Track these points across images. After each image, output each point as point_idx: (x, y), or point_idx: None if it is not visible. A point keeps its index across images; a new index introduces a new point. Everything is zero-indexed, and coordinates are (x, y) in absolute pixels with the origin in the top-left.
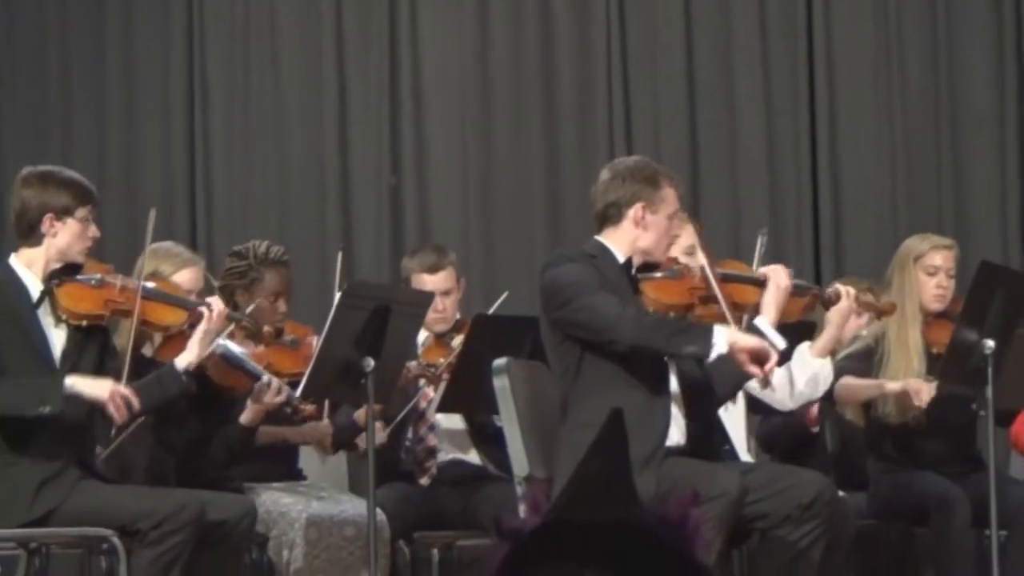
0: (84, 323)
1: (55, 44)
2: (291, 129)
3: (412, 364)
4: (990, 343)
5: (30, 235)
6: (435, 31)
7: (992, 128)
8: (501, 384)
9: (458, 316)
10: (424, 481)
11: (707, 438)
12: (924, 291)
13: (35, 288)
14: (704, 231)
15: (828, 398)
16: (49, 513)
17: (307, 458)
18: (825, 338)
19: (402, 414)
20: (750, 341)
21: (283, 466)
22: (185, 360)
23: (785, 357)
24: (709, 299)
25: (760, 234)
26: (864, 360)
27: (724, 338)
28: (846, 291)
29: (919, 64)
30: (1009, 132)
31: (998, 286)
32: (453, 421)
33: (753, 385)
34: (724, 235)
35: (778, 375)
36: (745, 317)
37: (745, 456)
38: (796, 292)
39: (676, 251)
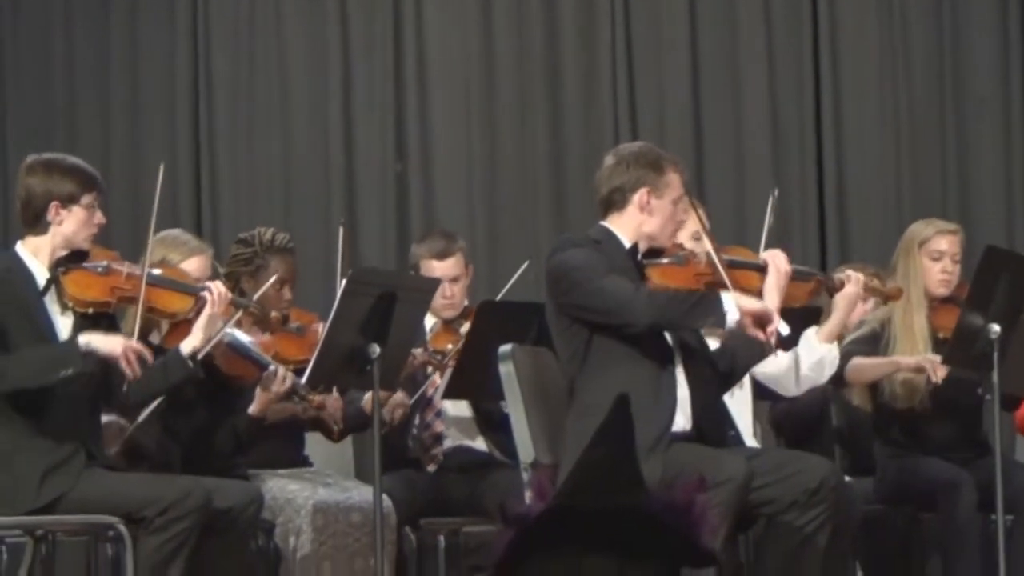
0: (90, 310)
1: (60, 36)
2: (296, 117)
3: (418, 351)
4: (996, 328)
5: (36, 223)
6: (440, 20)
7: (997, 113)
8: (507, 370)
9: (466, 303)
10: (430, 468)
11: (713, 424)
12: (929, 276)
13: (41, 276)
14: (709, 217)
15: (837, 383)
16: (55, 500)
17: (313, 445)
18: (832, 323)
19: (414, 398)
20: (754, 304)
21: (289, 453)
22: (190, 345)
23: (789, 343)
24: (716, 285)
25: (771, 194)
26: (870, 344)
27: (732, 303)
28: (855, 277)
29: (924, 50)
30: (1014, 117)
31: (1003, 271)
32: (460, 408)
33: (759, 370)
34: (729, 222)
35: (784, 360)
36: None
37: (751, 441)
38: (798, 277)
39: (683, 236)
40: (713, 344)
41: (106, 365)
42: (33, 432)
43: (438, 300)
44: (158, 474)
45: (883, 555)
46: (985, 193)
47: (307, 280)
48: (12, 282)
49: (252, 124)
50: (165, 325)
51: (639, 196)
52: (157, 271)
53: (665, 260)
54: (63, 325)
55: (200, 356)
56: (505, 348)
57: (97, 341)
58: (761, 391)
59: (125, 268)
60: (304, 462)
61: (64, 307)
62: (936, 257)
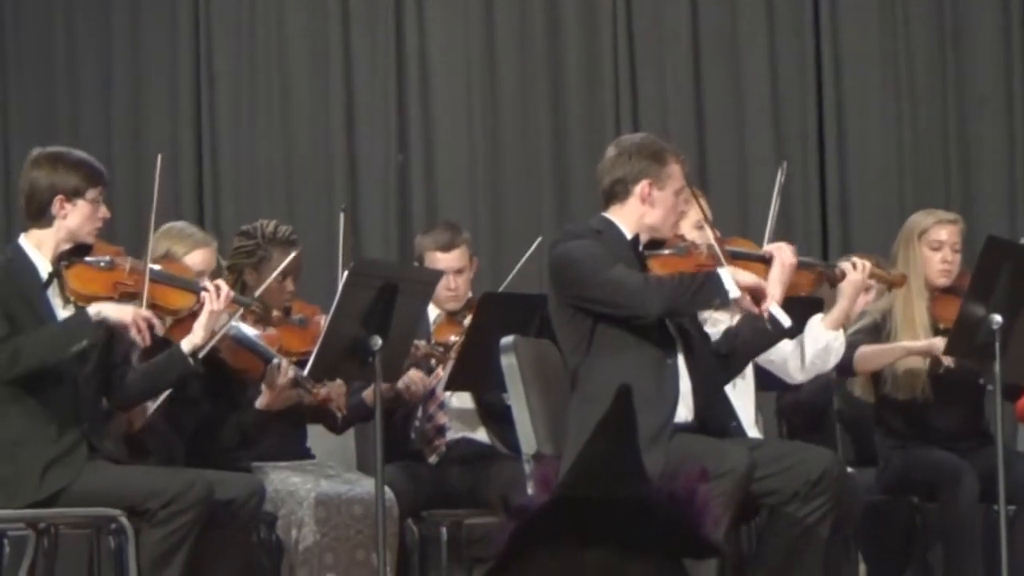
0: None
1: (62, 28)
2: (298, 108)
3: (421, 343)
4: (997, 318)
5: (40, 217)
6: (442, 11)
7: (999, 103)
8: (509, 362)
9: (470, 295)
10: (432, 459)
11: (715, 415)
12: (929, 266)
13: (44, 269)
14: (711, 207)
15: (845, 372)
16: (58, 493)
17: (316, 437)
18: (838, 310)
19: (433, 385)
20: (749, 278)
21: (292, 445)
22: (190, 343)
23: (793, 332)
24: None
25: (780, 169)
26: (872, 335)
27: (731, 280)
28: (861, 264)
29: (926, 42)
30: (1016, 107)
31: (1005, 261)
32: (462, 400)
33: (764, 357)
34: (731, 212)
35: (788, 347)
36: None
37: (753, 432)
38: (802, 267)
39: (685, 226)
40: (717, 331)
41: (109, 352)
42: (36, 424)
43: (442, 292)
44: (160, 467)
45: (885, 545)
46: (987, 186)
47: (309, 272)
48: (15, 274)
49: (254, 116)
50: (168, 318)
51: (641, 188)
52: (159, 267)
53: (666, 251)
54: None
55: (201, 355)
56: (507, 340)
57: (108, 309)
58: (764, 382)
59: (128, 263)
60: (306, 454)
61: (66, 301)
62: (936, 247)
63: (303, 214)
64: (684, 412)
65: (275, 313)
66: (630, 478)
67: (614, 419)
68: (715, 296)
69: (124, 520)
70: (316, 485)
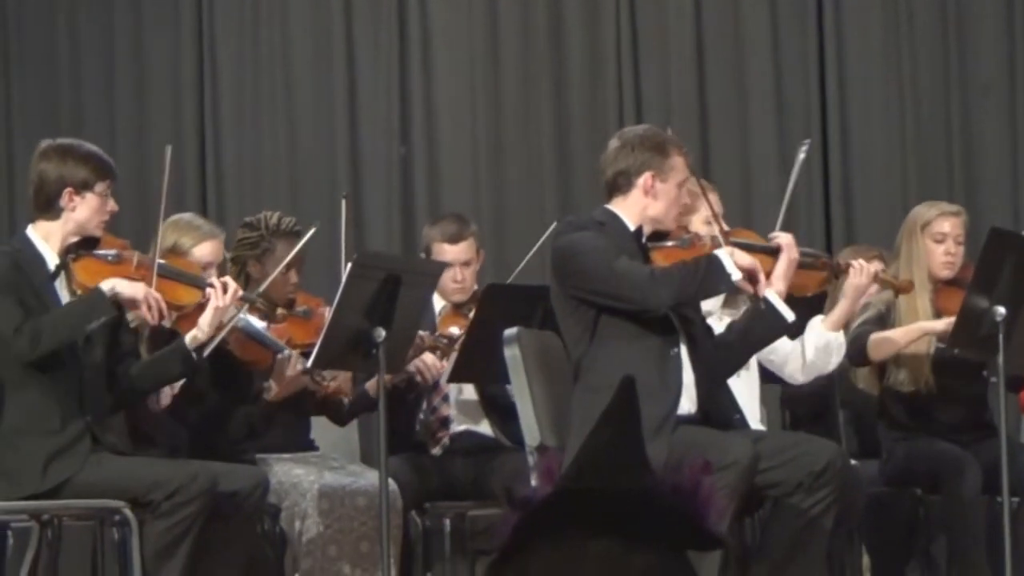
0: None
1: (65, 21)
2: (301, 101)
3: (425, 334)
4: (1001, 310)
5: (48, 209)
6: (444, 3)
7: (1002, 94)
8: (512, 354)
9: (476, 287)
10: (436, 451)
11: (718, 407)
12: (933, 259)
13: (51, 261)
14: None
15: (858, 362)
16: (61, 485)
17: (320, 429)
18: (838, 311)
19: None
20: (745, 259)
21: (295, 437)
22: (194, 338)
23: (794, 332)
24: None
25: (801, 146)
26: (879, 325)
27: (731, 261)
28: (865, 268)
29: (929, 33)
30: (1019, 98)
31: (1008, 252)
32: (466, 392)
33: (764, 357)
34: (734, 202)
35: (789, 347)
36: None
37: (756, 425)
38: (806, 259)
39: (696, 221)
40: (722, 326)
41: (115, 344)
42: (40, 415)
43: (449, 284)
44: (164, 458)
45: (889, 537)
46: (990, 174)
47: (313, 263)
48: (22, 265)
49: (257, 109)
50: (172, 314)
51: (644, 180)
52: (165, 263)
53: (669, 243)
54: None
55: (207, 352)
56: (510, 331)
57: (120, 285)
58: (768, 374)
59: (135, 258)
60: (310, 446)
61: (73, 293)
62: (939, 239)
63: (306, 206)
64: (687, 404)
65: (279, 311)
66: (634, 470)
67: (618, 410)
68: (720, 281)
69: (128, 512)
70: (320, 477)
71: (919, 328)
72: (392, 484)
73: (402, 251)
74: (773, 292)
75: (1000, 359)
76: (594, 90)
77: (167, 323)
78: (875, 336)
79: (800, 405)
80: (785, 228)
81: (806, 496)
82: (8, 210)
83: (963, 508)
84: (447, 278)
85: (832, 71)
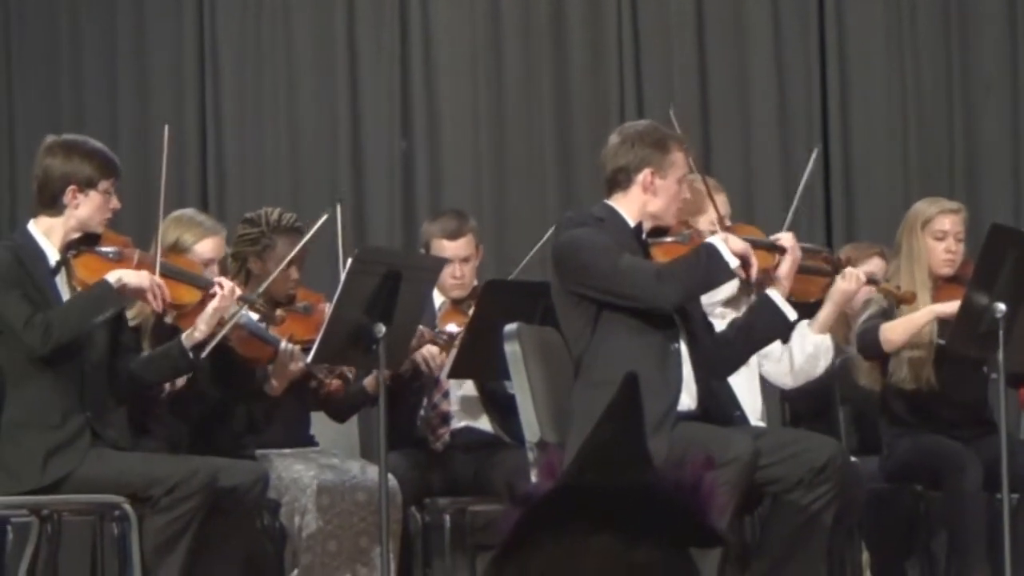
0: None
1: (66, 15)
2: (302, 95)
3: (425, 330)
4: (1001, 306)
5: (52, 205)
6: None
7: (1004, 90)
8: (512, 349)
9: (475, 283)
10: (437, 447)
11: (718, 403)
12: (933, 256)
13: (53, 256)
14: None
15: (872, 355)
16: (61, 480)
17: (320, 425)
18: (824, 314)
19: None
20: (739, 244)
21: (295, 432)
22: (191, 337)
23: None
24: None
25: (811, 154)
26: (884, 319)
27: (726, 248)
28: (854, 275)
29: (931, 29)
30: (1021, 95)
31: (1009, 249)
32: (466, 388)
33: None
34: (736, 198)
35: (777, 352)
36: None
37: (756, 421)
38: (809, 262)
39: (704, 222)
40: (723, 323)
41: (116, 340)
42: (40, 410)
43: (448, 280)
44: (164, 453)
45: (889, 533)
46: (991, 173)
47: (313, 258)
48: (23, 259)
49: (259, 104)
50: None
51: (643, 176)
52: (167, 261)
53: (669, 239)
54: None
55: (204, 352)
56: (511, 327)
57: (127, 276)
58: None
59: (136, 255)
60: (310, 442)
61: (73, 290)
62: (939, 237)
63: (308, 203)
64: (687, 400)
65: (279, 311)
66: (636, 465)
67: (621, 406)
68: (721, 272)
69: (127, 507)
70: (319, 472)
71: (929, 311)
72: (392, 480)
73: (403, 246)
74: (775, 291)
75: (1000, 356)
76: (595, 86)
77: (168, 319)
78: (887, 325)
79: (800, 401)
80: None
81: (806, 492)
82: (10, 204)
83: (963, 504)
84: (446, 274)
85: (834, 67)
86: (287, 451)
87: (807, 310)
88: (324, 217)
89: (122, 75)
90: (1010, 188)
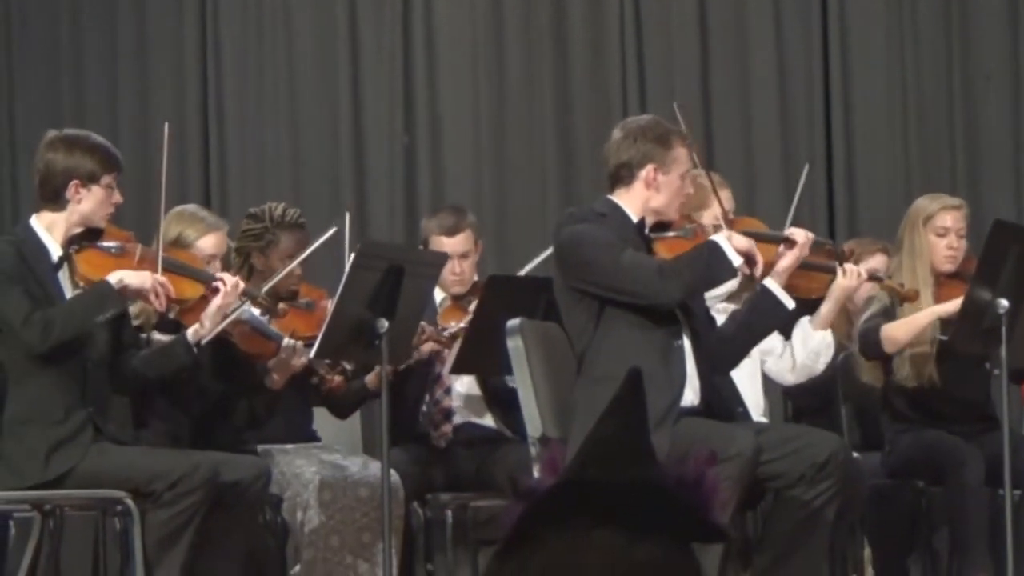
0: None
1: (67, 12)
2: (304, 91)
3: (427, 326)
4: (1004, 302)
5: (54, 200)
6: None
7: (1005, 84)
8: (515, 345)
9: (475, 278)
10: (440, 443)
11: (721, 399)
12: (935, 253)
13: (55, 252)
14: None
15: (873, 355)
16: (63, 475)
17: (322, 420)
18: (824, 311)
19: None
20: (743, 242)
21: (298, 428)
22: (196, 333)
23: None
24: None
25: (804, 169)
26: (886, 318)
27: (730, 247)
28: (855, 272)
29: (932, 21)
30: (1022, 87)
31: (1012, 245)
32: (468, 386)
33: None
34: (738, 190)
35: (780, 349)
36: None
37: (759, 417)
38: (814, 260)
39: (708, 216)
40: (723, 317)
41: (118, 336)
42: (42, 406)
43: (447, 276)
44: (166, 448)
45: (891, 529)
46: (993, 167)
47: (316, 254)
48: (25, 255)
49: (260, 97)
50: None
51: (646, 172)
52: (169, 255)
53: (672, 233)
54: None
55: (204, 341)
56: (513, 322)
57: (128, 277)
58: None
59: (138, 250)
60: (312, 437)
61: (75, 285)
62: (941, 233)
63: (309, 199)
64: (690, 396)
65: (281, 305)
66: (639, 461)
67: (624, 402)
68: (723, 269)
69: (129, 502)
70: (321, 468)
71: (931, 312)
72: (394, 475)
73: (405, 241)
74: (772, 282)
75: (1003, 352)
76: (597, 83)
77: (171, 314)
78: (888, 326)
79: (802, 397)
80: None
81: (808, 488)
82: (12, 199)
83: (965, 500)
84: (446, 270)
85: (835, 63)
86: (289, 446)
87: (809, 307)
88: (332, 230)
89: (123, 72)
90: (1012, 184)
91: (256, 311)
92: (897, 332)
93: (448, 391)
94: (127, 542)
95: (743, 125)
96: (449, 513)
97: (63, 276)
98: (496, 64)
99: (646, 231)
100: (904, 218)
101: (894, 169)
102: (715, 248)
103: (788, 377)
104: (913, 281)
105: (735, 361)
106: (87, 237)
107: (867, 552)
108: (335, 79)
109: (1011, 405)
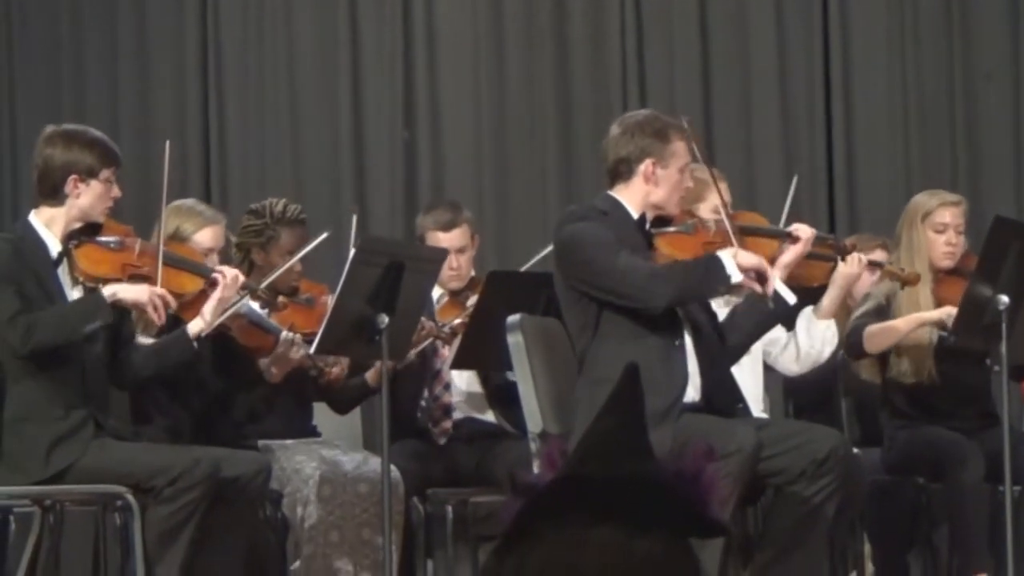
0: (100, 286)
1: (68, 11)
2: (305, 89)
3: (427, 322)
4: (1004, 298)
5: (53, 195)
6: None
7: (1006, 81)
8: (515, 340)
9: (472, 274)
10: (440, 440)
11: (722, 395)
12: (934, 249)
13: (54, 247)
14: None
15: (854, 355)
16: (64, 470)
17: (322, 415)
18: (827, 300)
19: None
20: (751, 259)
21: (298, 423)
22: (197, 327)
23: (791, 321)
24: None
25: (794, 178)
26: (878, 317)
27: (732, 263)
28: (857, 258)
29: (933, 20)
30: (1023, 85)
31: (1012, 241)
32: (469, 383)
33: (764, 350)
34: (738, 185)
35: (785, 339)
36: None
37: (759, 413)
38: (815, 249)
39: (704, 209)
40: (722, 314)
41: (117, 331)
42: (43, 401)
43: (444, 271)
44: (166, 443)
45: (891, 525)
46: (994, 164)
47: (316, 250)
48: (25, 252)
49: (261, 94)
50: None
51: (644, 167)
52: (169, 250)
53: (672, 229)
54: (74, 298)
55: (203, 334)
56: (514, 318)
57: (123, 291)
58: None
59: (137, 245)
60: (312, 432)
61: (75, 280)
62: (940, 230)
63: (310, 197)
64: (691, 392)
65: (280, 299)
66: (637, 456)
67: (621, 397)
68: (718, 282)
69: (130, 497)
70: (322, 463)
71: (914, 319)
72: (394, 471)
73: (405, 237)
74: (774, 276)
75: (1003, 348)
76: (597, 79)
77: (171, 308)
78: (871, 328)
79: (803, 393)
80: (787, 221)
81: (808, 484)
82: (12, 195)
83: (965, 497)
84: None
85: (836, 57)
86: (289, 442)
87: (809, 295)
88: (324, 236)
89: (123, 70)
90: (1012, 180)
91: (255, 305)
92: (879, 337)
93: (447, 387)
94: (127, 538)
95: (743, 124)
96: (449, 509)
97: (62, 272)
98: (496, 62)
99: (647, 227)
100: (903, 214)
101: (895, 168)
102: (714, 261)
103: (793, 368)
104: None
105: (737, 356)
106: (86, 232)
107: (867, 548)
108: (336, 77)
109: (1011, 401)
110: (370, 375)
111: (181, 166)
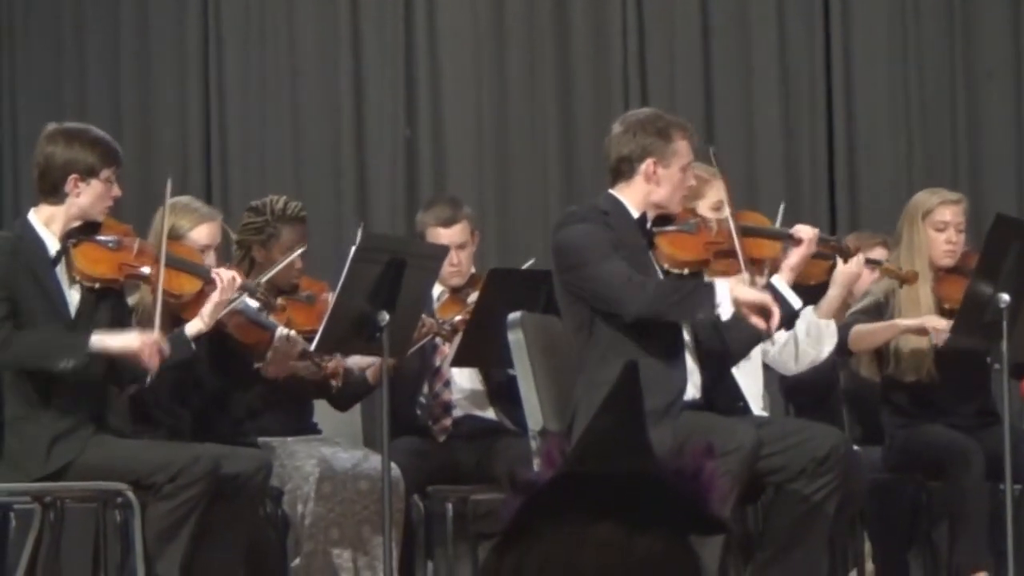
0: (97, 285)
1: (69, 10)
2: (306, 83)
3: (427, 319)
4: (1005, 297)
5: (53, 193)
6: None
7: (1007, 80)
8: (516, 338)
9: (473, 270)
10: (440, 437)
11: (722, 392)
12: (934, 247)
13: (53, 245)
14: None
15: (842, 352)
16: (64, 467)
17: (322, 412)
18: (829, 299)
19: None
20: (751, 295)
21: (298, 420)
22: (195, 328)
23: (792, 320)
24: (727, 254)
25: (781, 207)
26: (874, 316)
27: (727, 295)
28: (857, 257)
29: (934, 18)
30: None
31: (1013, 239)
32: (470, 380)
33: (765, 348)
34: (739, 184)
35: (782, 337)
36: (764, 274)
37: (759, 411)
38: (818, 247)
39: (703, 207)
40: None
41: (119, 325)
42: (44, 398)
43: (445, 268)
44: (167, 441)
45: (891, 523)
46: (995, 162)
47: (317, 247)
48: (23, 251)
49: (262, 90)
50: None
51: (646, 166)
52: (168, 250)
53: (674, 227)
54: (72, 297)
55: (200, 335)
56: (514, 315)
57: (111, 341)
58: None
59: (136, 244)
60: (313, 430)
61: (72, 279)
62: (940, 228)
63: (311, 193)
64: (691, 390)
65: (279, 300)
66: (636, 454)
67: (621, 395)
68: (700, 309)
69: (130, 494)
70: (322, 460)
71: (892, 325)
72: (394, 468)
73: (406, 234)
74: (780, 279)
75: (1004, 346)
76: (599, 76)
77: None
78: (855, 330)
79: (803, 392)
80: (787, 220)
81: (809, 482)
82: (13, 193)
83: (965, 495)
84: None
85: (838, 56)
86: (290, 439)
87: (808, 293)
88: (269, 274)
89: (125, 68)
90: (1013, 178)
91: (252, 302)
92: (863, 337)
93: (447, 384)
94: (127, 534)
95: (744, 124)
96: (449, 506)
97: (60, 270)
98: (498, 60)
99: (648, 226)
100: (903, 212)
101: (896, 167)
102: (706, 287)
103: (792, 366)
104: None
105: (739, 356)
106: (84, 231)
107: (867, 546)
108: (337, 76)
109: (1012, 400)
110: (371, 373)
111: (182, 164)
